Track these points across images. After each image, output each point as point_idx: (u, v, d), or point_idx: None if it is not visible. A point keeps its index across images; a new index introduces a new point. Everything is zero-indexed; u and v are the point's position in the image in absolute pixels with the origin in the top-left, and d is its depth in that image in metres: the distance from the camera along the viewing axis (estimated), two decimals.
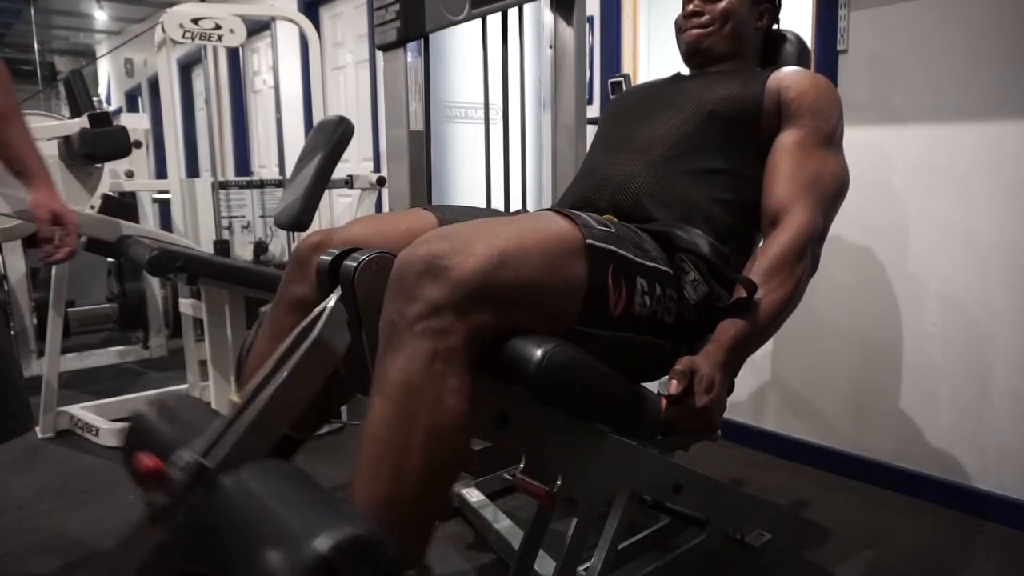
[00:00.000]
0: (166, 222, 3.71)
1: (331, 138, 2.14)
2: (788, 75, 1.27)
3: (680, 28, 1.43)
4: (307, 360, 0.91)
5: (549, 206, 1.53)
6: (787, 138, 1.24)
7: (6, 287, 3.09)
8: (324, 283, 1.02)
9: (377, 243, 1.08)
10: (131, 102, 8.38)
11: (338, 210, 4.27)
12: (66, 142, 2.37)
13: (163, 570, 0.80)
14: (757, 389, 2.34)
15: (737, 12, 1.37)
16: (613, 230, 1.05)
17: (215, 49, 4.10)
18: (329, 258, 1.01)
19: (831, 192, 1.21)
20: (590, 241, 0.99)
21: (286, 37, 4.33)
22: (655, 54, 2.67)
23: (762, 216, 1.22)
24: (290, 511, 0.73)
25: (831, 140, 1.25)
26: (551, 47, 1.82)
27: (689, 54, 1.42)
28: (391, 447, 0.83)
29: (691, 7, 1.39)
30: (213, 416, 0.97)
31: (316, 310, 0.97)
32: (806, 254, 1.13)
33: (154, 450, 0.86)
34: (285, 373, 0.90)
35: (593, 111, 2.57)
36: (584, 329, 0.99)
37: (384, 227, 1.20)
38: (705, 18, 1.38)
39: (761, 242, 1.25)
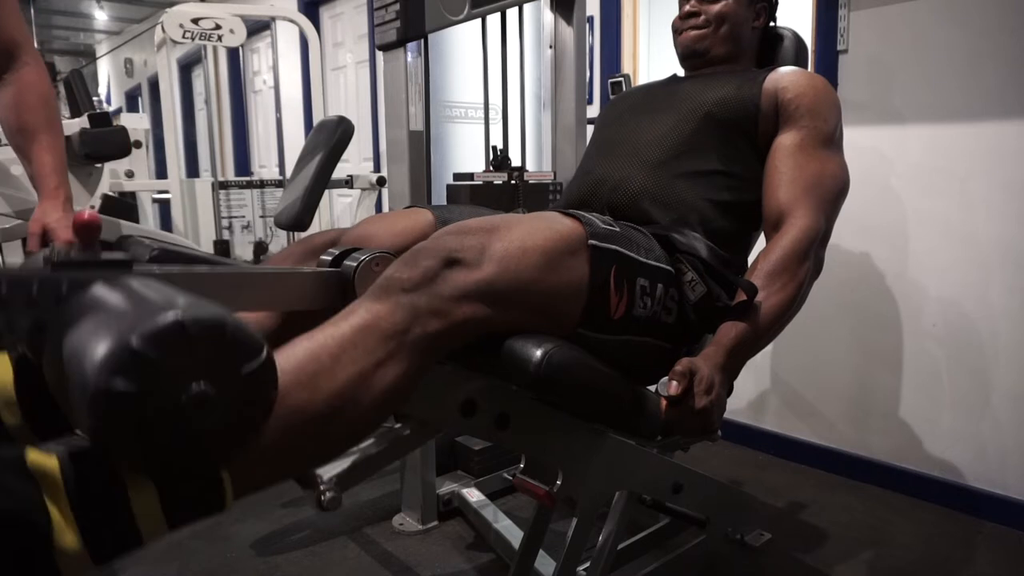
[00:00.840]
0: (166, 222, 3.71)
1: (331, 138, 2.15)
2: (785, 76, 1.27)
3: (677, 30, 1.43)
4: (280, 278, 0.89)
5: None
6: (787, 140, 1.23)
7: None
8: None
9: (374, 243, 1.09)
10: (131, 102, 8.38)
11: (338, 210, 4.27)
12: (66, 142, 2.37)
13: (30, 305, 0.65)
14: (757, 389, 2.34)
15: (734, 13, 1.37)
16: (617, 228, 1.05)
17: (215, 49, 4.10)
18: (329, 258, 1.01)
19: (832, 193, 1.21)
20: (593, 241, 0.99)
21: (286, 37, 4.33)
22: (655, 54, 2.67)
23: (764, 219, 1.22)
24: (160, 290, 0.61)
25: (831, 141, 1.25)
26: (551, 47, 1.82)
27: (685, 56, 1.42)
28: (318, 358, 0.77)
29: (687, 8, 1.39)
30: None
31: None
32: (809, 257, 1.13)
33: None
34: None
35: (593, 111, 2.57)
36: (585, 332, 0.99)
37: (380, 227, 1.21)
38: (701, 19, 1.37)
39: (759, 242, 1.26)
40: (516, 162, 1.80)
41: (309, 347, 0.77)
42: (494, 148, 1.76)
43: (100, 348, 0.53)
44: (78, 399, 0.54)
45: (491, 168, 1.75)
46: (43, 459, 0.56)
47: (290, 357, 0.75)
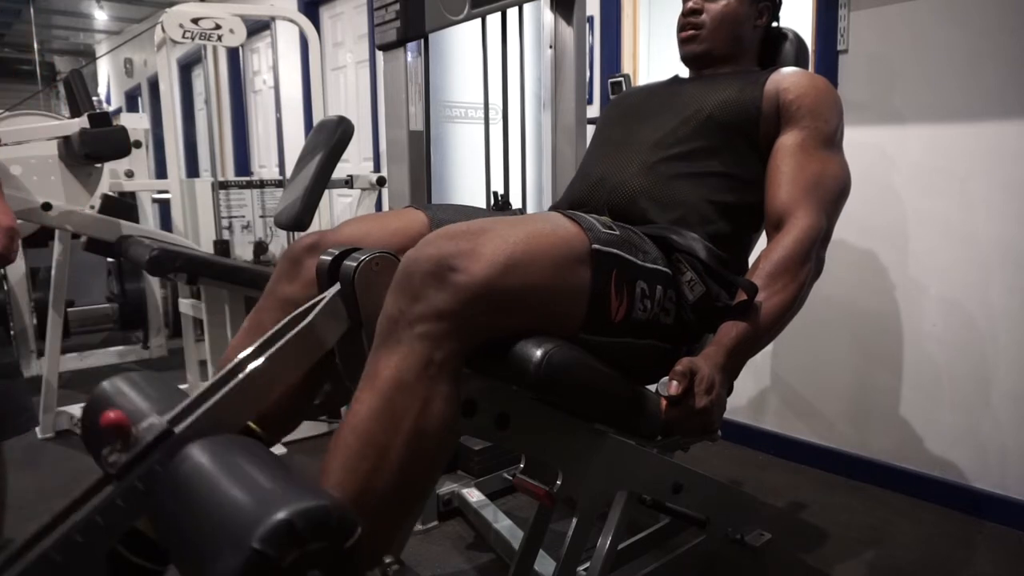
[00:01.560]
0: (166, 222, 3.71)
1: (331, 138, 2.14)
2: (787, 77, 1.27)
3: (679, 27, 1.43)
4: (293, 344, 0.90)
5: (549, 206, 1.53)
6: (788, 140, 1.23)
7: (6, 287, 3.09)
8: (324, 283, 1.02)
9: (368, 243, 1.09)
10: (131, 102, 8.38)
11: (338, 210, 4.27)
12: (66, 142, 2.37)
13: (110, 532, 0.75)
14: (757, 389, 2.34)
15: (736, 12, 1.37)
16: (617, 232, 1.05)
17: (215, 49, 4.10)
18: (329, 258, 1.01)
19: (834, 194, 1.21)
20: (595, 246, 0.99)
21: (286, 37, 4.33)
22: (655, 54, 2.67)
23: (765, 219, 1.22)
24: (254, 481, 0.70)
25: (832, 141, 1.25)
26: (551, 47, 1.82)
27: (687, 55, 1.42)
28: (373, 443, 0.82)
29: (690, 5, 1.39)
30: (181, 394, 0.94)
31: (313, 300, 0.96)
32: (810, 257, 1.13)
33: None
34: (268, 354, 0.88)
35: (593, 111, 2.57)
36: (587, 337, 0.99)
37: (373, 227, 1.20)
38: (703, 17, 1.37)
39: (758, 243, 1.25)
40: (516, 161, 1.80)
41: (356, 442, 0.82)
42: (495, 193, 1.75)
43: (222, 558, 0.63)
44: None
45: (493, 211, 1.75)
46: None
47: (348, 459, 0.81)
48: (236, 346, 1.13)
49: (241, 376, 0.85)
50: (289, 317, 0.94)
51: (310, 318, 0.92)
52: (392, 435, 0.82)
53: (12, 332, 3.05)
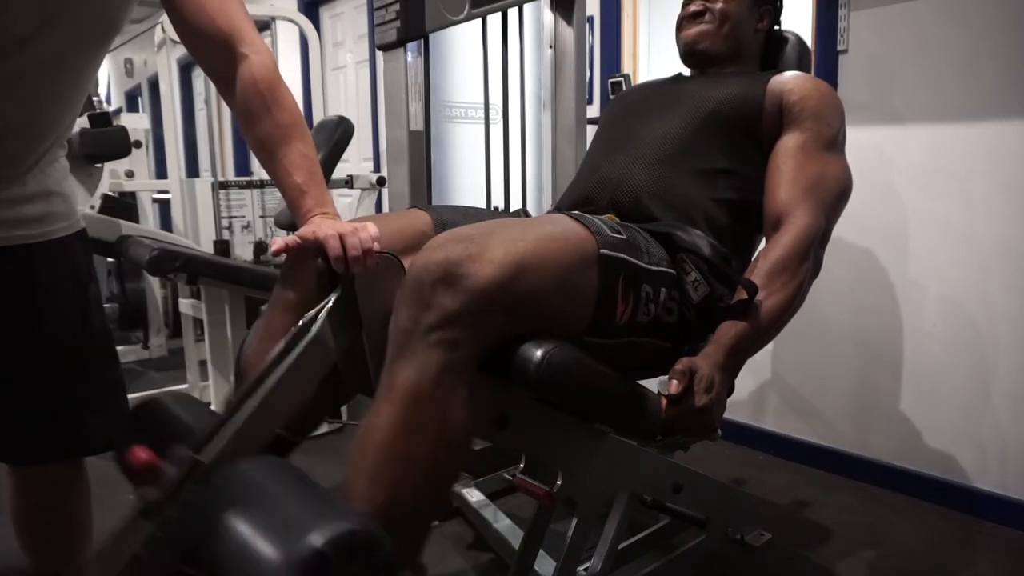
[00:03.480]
0: (166, 222, 3.71)
1: (331, 138, 2.15)
2: (790, 79, 1.27)
3: (680, 26, 1.43)
4: (304, 357, 0.91)
5: (550, 206, 1.53)
6: (789, 141, 1.24)
7: None
8: (324, 284, 1.02)
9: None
10: (131, 102, 8.38)
11: (338, 210, 4.26)
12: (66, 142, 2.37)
13: (154, 566, 0.79)
14: (757, 389, 2.34)
15: (736, 13, 1.37)
16: (624, 235, 1.05)
17: None
18: None
19: (833, 195, 1.21)
20: (603, 251, 0.99)
21: (286, 37, 4.32)
22: (655, 54, 2.67)
23: (764, 219, 1.22)
24: (284, 507, 0.73)
25: (833, 144, 1.25)
26: (551, 47, 1.82)
27: (687, 53, 1.42)
28: (396, 455, 0.84)
29: (692, 7, 1.39)
30: (209, 414, 0.96)
31: (315, 309, 0.96)
32: (808, 257, 1.13)
33: (148, 445, 0.85)
34: (281, 370, 0.89)
35: (593, 111, 2.57)
36: (589, 339, 0.99)
37: (377, 227, 1.20)
38: (704, 17, 1.38)
39: (762, 243, 1.25)
40: (516, 161, 1.80)
41: (381, 455, 0.84)
42: (495, 208, 1.76)
43: None
44: None
45: (495, 212, 1.75)
46: None
47: (375, 473, 0.83)
48: (253, 353, 1.15)
49: (259, 397, 0.87)
50: (295, 329, 0.94)
51: (314, 331, 0.92)
52: (414, 446, 0.83)
53: None
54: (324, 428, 2.33)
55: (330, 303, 0.95)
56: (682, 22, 1.42)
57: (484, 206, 1.74)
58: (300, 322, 0.95)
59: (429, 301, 0.85)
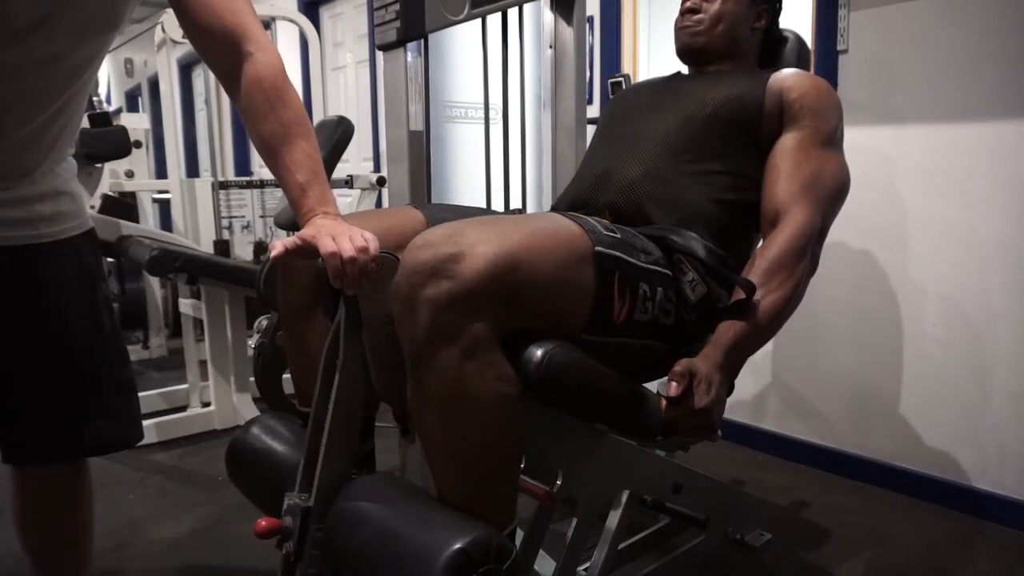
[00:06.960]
0: (166, 222, 3.71)
1: (331, 138, 2.15)
2: (789, 77, 1.27)
3: (676, 25, 1.43)
4: (344, 379, 0.96)
5: (549, 206, 1.53)
6: (787, 140, 1.23)
7: None
8: (323, 284, 1.02)
9: None
10: (131, 102, 8.38)
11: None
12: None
13: None
14: (757, 389, 2.34)
15: (732, 12, 1.37)
16: (618, 235, 1.05)
17: None
18: None
19: (831, 192, 1.21)
20: (598, 248, 0.99)
21: (286, 37, 4.32)
22: (655, 54, 2.67)
23: (762, 216, 1.22)
24: (413, 525, 0.84)
25: (831, 141, 1.25)
26: (551, 47, 1.82)
27: (684, 52, 1.42)
28: (454, 453, 0.88)
29: (688, 4, 1.39)
30: (294, 433, 1.12)
31: (332, 328, 0.98)
32: (806, 254, 1.12)
33: (254, 486, 1.10)
34: (333, 398, 0.95)
35: (593, 111, 2.57)
36: (588, 337, 0.99)
37: (369, 224, 1.20)
38: (700, 15, 1.37)
39: (760, 243, 1.25)
40: (516, 161, 1.80)
41: (449, 459, 0.90)
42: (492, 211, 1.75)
43: None
44: None
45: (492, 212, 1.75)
46: None
47: (457, 476, 0.90)
48: (297, 373, 1.20)
49: (327, 428, 0.95)
50: (327, 345, 0.98)
51: (340, 362, 0.95)
52: (466, 441, 0.88)
53: None
54: None
55: (341, 320, 0.96)
56: (679, 19, 1.42)
57: (484, 206, 1.74)
58: (327, 341, 0.98)
59: (424, 303, 0.84)
